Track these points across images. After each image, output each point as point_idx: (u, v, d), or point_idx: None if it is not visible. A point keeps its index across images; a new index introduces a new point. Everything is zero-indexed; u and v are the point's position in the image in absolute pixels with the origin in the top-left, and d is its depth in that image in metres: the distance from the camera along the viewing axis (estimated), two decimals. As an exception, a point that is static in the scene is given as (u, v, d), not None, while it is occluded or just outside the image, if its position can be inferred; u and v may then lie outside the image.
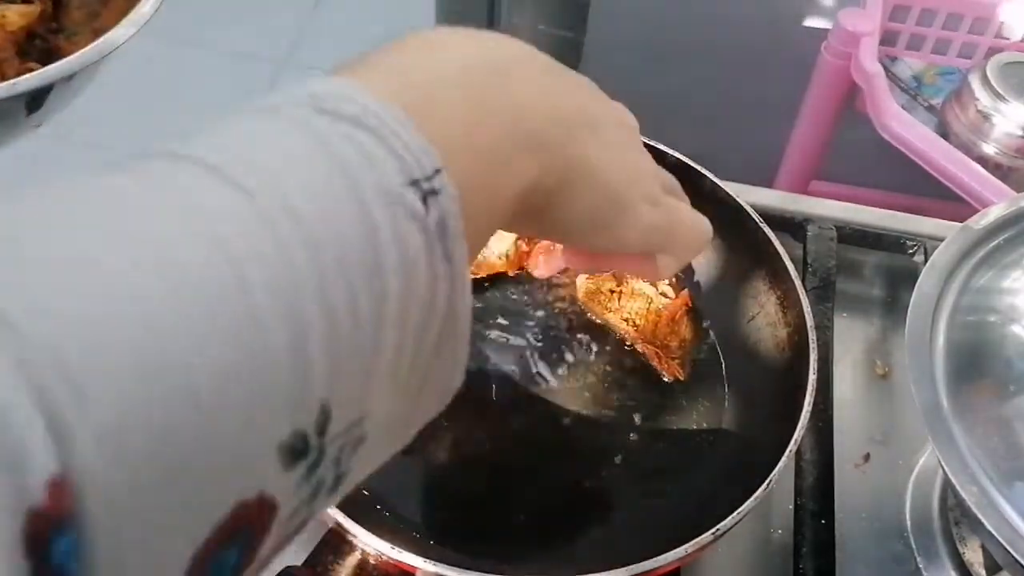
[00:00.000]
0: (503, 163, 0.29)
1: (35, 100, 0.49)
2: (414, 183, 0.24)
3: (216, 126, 0.24)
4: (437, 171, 0.25)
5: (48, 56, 0.56)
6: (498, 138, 0.29)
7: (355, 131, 0.24)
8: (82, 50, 0.48)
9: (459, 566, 0.44)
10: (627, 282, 0.63)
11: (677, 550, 0.45)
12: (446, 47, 0.30)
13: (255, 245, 0.21)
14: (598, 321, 0.62)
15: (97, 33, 0.52)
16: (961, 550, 0.57)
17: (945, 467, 0.46)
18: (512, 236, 0.62)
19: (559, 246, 0.46)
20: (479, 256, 0.60)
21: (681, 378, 0.60)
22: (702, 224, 0.41)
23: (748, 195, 0.62)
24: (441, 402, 0.28)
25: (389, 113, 0.25)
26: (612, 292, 0.62)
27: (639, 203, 0.36)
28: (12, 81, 0.46)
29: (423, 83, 0.28)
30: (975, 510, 0.44)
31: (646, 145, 0.62)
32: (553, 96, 0.32)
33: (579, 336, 0.61)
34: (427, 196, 0.24)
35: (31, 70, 0.51)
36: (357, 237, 0.23)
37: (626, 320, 0.61)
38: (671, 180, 0.42)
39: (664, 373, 0.60)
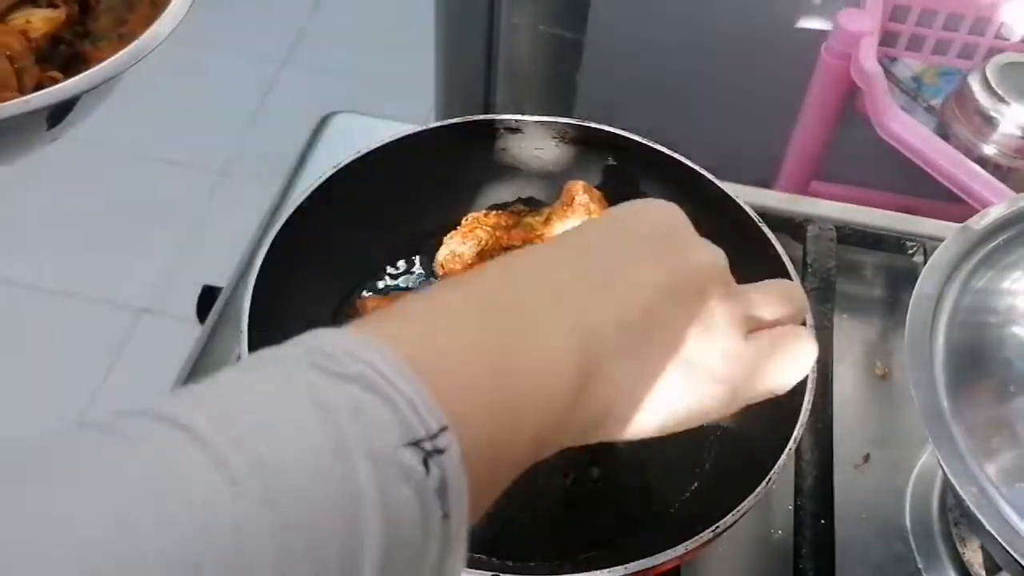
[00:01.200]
0: (532, 404, 0.29)
1: (57, 114, 0.48)
2: (415, 443, 0.25)
3: (219, 385, 0.25)
4: (443, 429, 0.25)
5: (72, 62, 0.56)
6: (521, 381, 0.30)
7: (357, 392, 0.25)
8: (107, 61, 0.47)
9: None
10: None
11: (676, 548, 0.45)
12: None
13: (222, 544, 0.21)
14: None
15: (123, 39, 0.51)
16: (961, 551, 0.57)
17: (945, 468, 0.46)
18: None
19: None
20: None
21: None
22: (795, 352, 0.39)
23: (748, 195, 0.62)
24: None
25: (395, 370, 0.25)
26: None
27: (706, 406, 0.36)
28: (26, 98, 0.45)
29: (442, 333, 0.29)
30: (975, 511, 0.44)
31: (645, 147, 0.63)
32: (597, 317, 0.32)
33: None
34: (428, 457, 0.25)
35: (52, 79, 0.50)
36: (336, 511, 0.23)
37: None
38: (754, 304, 0.38)
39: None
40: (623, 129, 0.63)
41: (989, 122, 0.91)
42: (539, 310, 0.32)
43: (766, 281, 0.40)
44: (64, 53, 0.57)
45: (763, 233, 0.59)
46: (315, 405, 0.24)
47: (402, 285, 0.64)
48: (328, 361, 0.25)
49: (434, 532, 0.25)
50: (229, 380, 0.25)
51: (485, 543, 0.52)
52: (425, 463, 0.25)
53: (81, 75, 0.46)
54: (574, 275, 0.34)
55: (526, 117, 0.64)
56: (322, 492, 0.23)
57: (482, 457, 0.27)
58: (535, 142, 0.65)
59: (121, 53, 0.48)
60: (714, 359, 0.35)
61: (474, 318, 0.31)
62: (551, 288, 0.33)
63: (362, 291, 0.63)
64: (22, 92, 0.51)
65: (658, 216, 0.39)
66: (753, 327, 0.38)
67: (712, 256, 0.38)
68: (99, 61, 0.48)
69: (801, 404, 0.51)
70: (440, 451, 0.25)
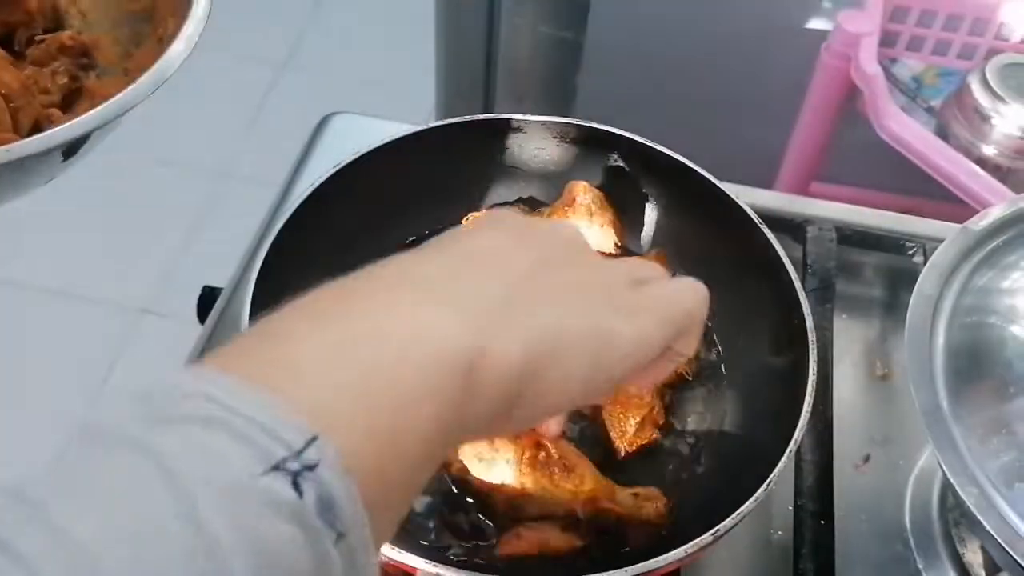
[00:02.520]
0: (415, 399, 0.27)
1: (72, 148, 0.48)
2: (277, 467, 0.22)
3: (49, 486, 0.22)
4: (311, 441, 0.23)
5: (75, 96, 0.56)
6: (399, 376, 0.27)
7: (197, 431, 0.22)
8: (118, 96, 0.47)
9: (459, 567, 0.44)
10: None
11: (677, 551, 0.45)
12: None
13: None
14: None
15: (128, 74, 0.51)
16: (961, 551, 0.57)
17: (945, 468, 0.46)
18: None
19: None
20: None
21: (688, 376, 0.60)
22: (688, 292, 0.38)
23: (748, 196, 0.62)
24: None
25: (241, 397, 0.23)
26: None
27: (615, 333, 0.33)
28: (44, 134, 0.45)
29: (295, 350, 0.26)
30: (975, 511, 0.44)
31: (645, 147, 0.63)
32: (472, 292, 0.30)
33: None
34: (298, 476, 0.22)
35: (49, 117, 0.51)
36: (190, 563, 0.21)
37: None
38: (635, 268, 0.39)
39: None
40: (623, 129, 0.63)
41: (989, 123, 0.91)
42: (402, 296, 0.30)
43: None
44: (63, 86, 0.57)
45: (763, 234, 0.59)
46: (152, 467, 0.22)
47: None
48: (161, 408, 0.23)
49: (331, 555, 0.23)
50: (61, 476, 0.22)
51: (485, 544, 0.52)
52: (296, 485, 0.22)
53: (94, 111, 0.46)
54: (440, 265, 0.32)
55: (526, 117, 0.64)
56: (180, 567, 0.20)
57: (371, 459, 0.25)
58: (535, 142, 0.65)
59: (130, 88, 0.48)
60: (606, 312, 0.34)
61: (326, 316, 0.28)
62: (417, 278, 0.31)
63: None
64: (18, 131, 0.51)
65: (511, 214, 0.39)
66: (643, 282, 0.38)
67: (574, 228, 0.38)
68: (103, 95, 0.48)
69: (801, 405, 0.51)
70: (311, 467, 0.22)
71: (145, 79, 0.49)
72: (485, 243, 0.34)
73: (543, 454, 0.52)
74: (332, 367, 0.26)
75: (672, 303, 0.37)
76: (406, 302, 0.29)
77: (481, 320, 0.29)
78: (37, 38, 0.58)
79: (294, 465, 0.22)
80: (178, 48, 0.51)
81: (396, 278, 0.31)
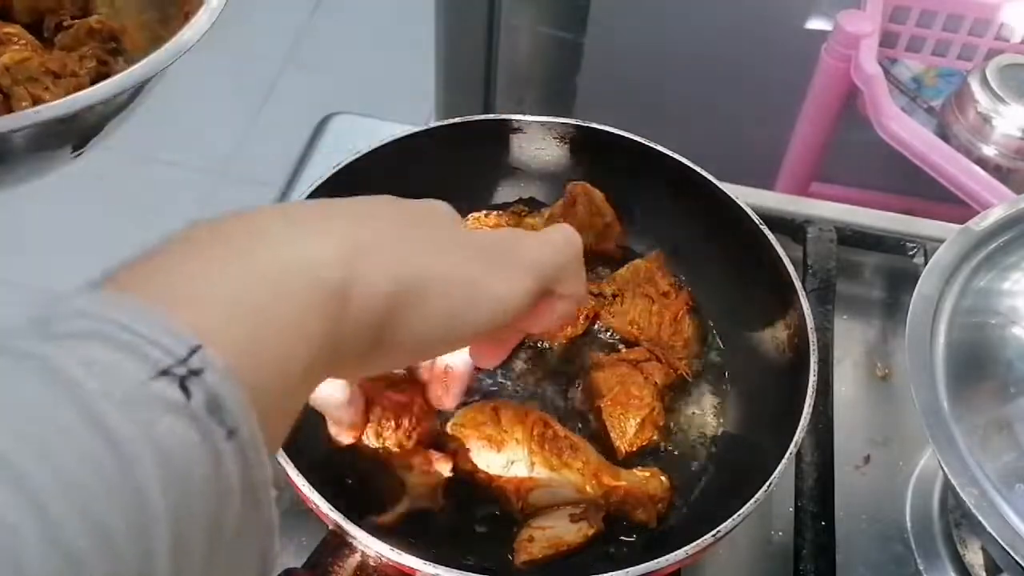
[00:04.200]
0: (291, 316, 0.29)
1: (83, 137, 0.49)
2: (165, 373, 0.24)
3: None
4: (194, 350, 0.24)
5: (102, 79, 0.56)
6: (276, 294, 0.29)
7: (86, 346, 0.24)
8: (120, 75, 0.48)
9: (458, 568, 0.44)
10: (628, 286, 0.63)
11: (678, 552, 0.45)
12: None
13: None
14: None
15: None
16: (961, 552, 0.57)
17: (945, 469, 0.46)
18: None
19: (454, 364, 0.46)
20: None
21: (689, 377, 0.60)
22: (556, 236, 0.40)
23: (748, 197, 0.61)
24: (261, 568, 0.27)
25: (127, 311, 0.25)
26: (614, 297, 0.62)
27: (481, 285, 0.36)
28: (39, 108, 0.45)
29: (180, 266, 0.28)
30: (975, 512, 0.44)
31: (645, 148, 0.63)
32: (338, 233, 0.32)
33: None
34: (185, 380, 0.24)
35: (43, 99, 0.51)
36: (110, 479, 0.22)
37: (631, 323, 0.61)
38: (506, 235, 0.41)
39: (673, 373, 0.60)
40: (623, 129, 0.63)
41: (989, 123, 0.91)
42: (278, 228, 0.31)
43: None
44: (92, 70, 0.57)
45: (763, 234, 0.59)
46: (46, 377, 0.23)
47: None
48: (50, 325, 0.25)
49: (224, 451, 0.24)
50: None
51: (486, 546, 0.52)
52: (183, 388, 0.24)
53: (128, 71, 0.47)
54: (314, 210, 0.35)
55: (526, 117, 0.64)
56: (89, 469, 0.22)
57: (251, 373, 0.26)
58: (535, 142, 0.65)
59: (135, 67, 0.48)
60: (473, 265, 0.36)
61: (212, 243, 0.30)
62: (295, 217, 0.33)
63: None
64: None
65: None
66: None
67: (448, 206, 0.39)
68: None
69: (802, 406, 0.51)
70: (196, 372, 0.24)
71: (170, 46, 0.50)
72: (361, 204, 0.35)
73: (551, 431, 0.52)
74: (214, 287, 0.28)
75: (541, 252, 0.39)
76: (281, 234, 0.31)
77: (353, 255, 0.31)
78: (65, 24, 0.59)
79: (181, 370, 0.24)
80: (202, 19, 0.53)
81: (272, 214, 0.33)
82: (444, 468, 0.50)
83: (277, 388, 0.28)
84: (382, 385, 0.51)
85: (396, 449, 0.50)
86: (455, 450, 0.52)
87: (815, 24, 1.11)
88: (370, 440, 0.49)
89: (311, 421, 0.54)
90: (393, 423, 0.49)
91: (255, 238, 0.30)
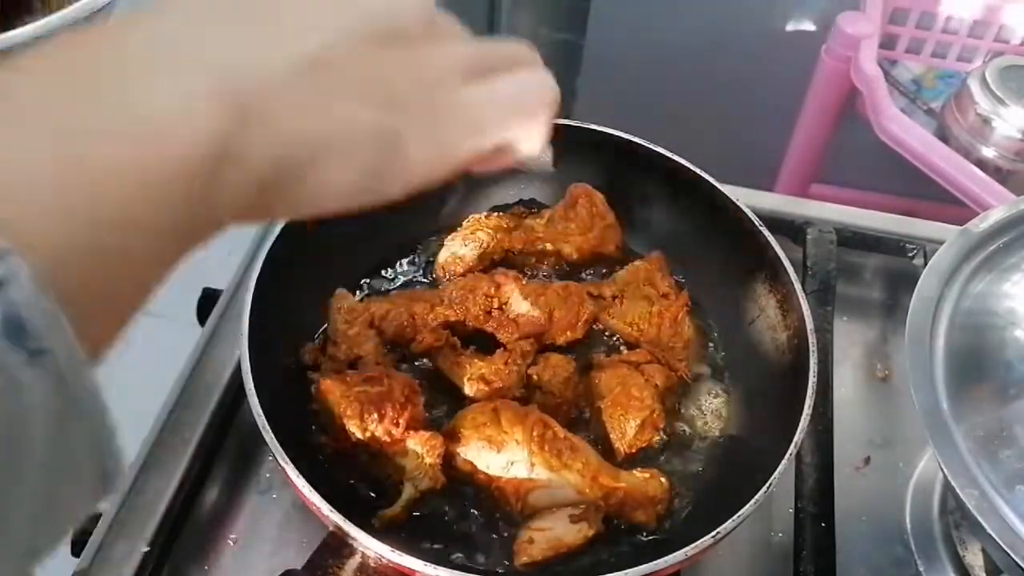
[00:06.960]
0: (135, 196, 0.24)
1: None
2: None
3: None
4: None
5: None
6: (118, 168, 0.23)
7: None
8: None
9: (458, 569, 0.44)
10: (628, 288, 0.63)
11: (677, 553, 0.45)
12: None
13: None
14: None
15: None
16: (961, 553, 0.57)
17: (945, 470, 0.46)
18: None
19: None
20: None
21: (688, 379, 0.60)
22: (531, 88, 0.34)
23: (748, 198, 0.62)
24: (96, 493, 0.24)
25: None
26: (614, 299, 0.62)
27: (405, 143, 0.30)
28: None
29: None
30: (975, 513, 0.44)
31: (645, 149, 0.63)
32: (217, 80, 0.25)
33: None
34: None
35: None
36: None
37: (630, 325, 0.61)
38: (484, 55, 0.33)
39: (673, 374, 0.60)
40: (623, 130, 0.63)
41: (988, 125, 0.91)
42: (140, 60, 0.25)
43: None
44: None
45: (763, 235, 0.59)
46: None
47: (402, 284, 0.64)
48: None
49: (19, 380, 0.21)
50: None
51: (486, 547, 0.52)
52: None
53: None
54: (215, 18, 0.27)
55: (526, 119, 0.64)
56: None
57: (85, 259, 0.23)
58: (535, 144, 0.65)
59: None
60: (406, 117, 0.30)
61: (22, 104, 0.23)
62: (160, 39, 0.26)
63: (364, 292, 0.63)
64: None
65: None
66: (479, 75, 0.32)
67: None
68: None
69: (802, 408, 0.51)
70: (1, 283, 0.20)
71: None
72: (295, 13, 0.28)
73: (551, 432, 0.52)
74: (38, 171, 0.22)
75: (504, 107, 0.33)
76: (139, 76, 0.24)
77: (229, 117, 0.25)
78: None
79: None
80: None
81: (140, 38, 0.26)
82: (436, 443, 0.51)
83: (113, 278, 0.24)
84: (357, 380, 0.51)
85: (387, 439, 0.50)
86: (448, 431, 0.53)
87: (815, 25, 1.11)
88: (357, 434, 0.50)
89: (311, 422, 0.54)
90: (376, 415, 0.50)
91: (105, 77, 0.24)
